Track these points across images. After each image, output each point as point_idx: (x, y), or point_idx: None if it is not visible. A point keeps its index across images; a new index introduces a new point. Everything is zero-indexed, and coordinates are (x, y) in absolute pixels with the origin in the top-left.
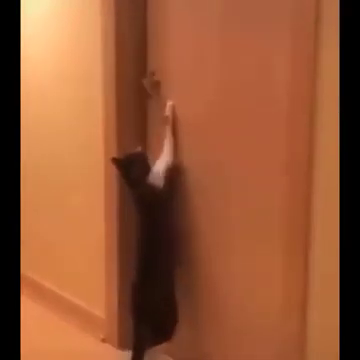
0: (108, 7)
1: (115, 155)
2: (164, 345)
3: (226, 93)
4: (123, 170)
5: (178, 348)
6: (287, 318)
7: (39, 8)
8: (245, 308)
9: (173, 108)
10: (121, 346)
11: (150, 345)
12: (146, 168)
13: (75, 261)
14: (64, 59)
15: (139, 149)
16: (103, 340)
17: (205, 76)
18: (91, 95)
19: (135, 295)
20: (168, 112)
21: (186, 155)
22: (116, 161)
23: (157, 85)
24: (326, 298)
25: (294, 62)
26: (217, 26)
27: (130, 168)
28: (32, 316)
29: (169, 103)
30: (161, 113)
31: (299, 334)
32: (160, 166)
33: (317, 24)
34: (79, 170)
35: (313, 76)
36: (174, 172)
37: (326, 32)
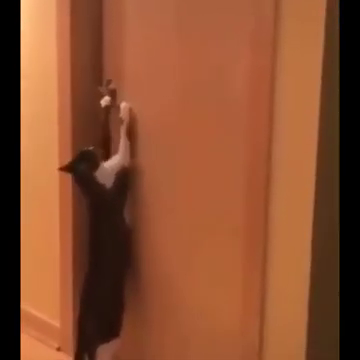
0: (64, 14)
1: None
2: (115, 348)
3: (184, 98)
4: (71, 169)
5: (130, 351)
6: (246, 322)
7: None
8: (203, 311)
9: (128, 109)
10: None
11: (98, 342)
12: (94, 165)
13: (29, 270)
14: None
15: (91, 147)
16: (58, 349)
17: (163, 82)
18: (48, 105)
19: (84, 290)
20: (122, 114)
21: (145, 157)
22: (63, 168)
23: (113, 93)
24: (284, 301)
25: (253, 66)
26: (174, 32)
27: (78, 165)
28: None
29: (123, 104)
30: (118, 118)
31: (258, 337)
32: (112, 166)
33: (276, 26)
34: (34, 179)
35: (272, 80)
36: (126, 173)
37: (285, 34)
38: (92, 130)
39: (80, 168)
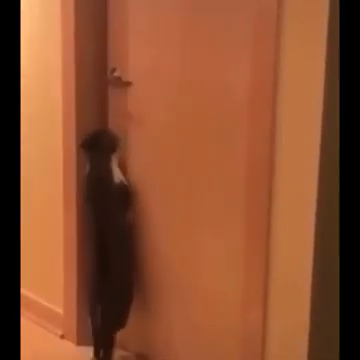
0: (68, 4)
1: (74, 151)
2: (119, 338)
3: (187, 93)
4: (87, 148)
5: (135, 340)
6: (248, 311)
7: None
8: (206, 301)
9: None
10: (80, 342)
11: (110, 332)
12: (111, 145)
13: (33, 256)
14: (25, 56)
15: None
16: (62, 336)
17: (166, 76)
18: (51, 91)
19: (91, 282)
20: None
21: (148, 149)
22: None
23: (118, 81)
24: (286, 292)
25: (255, 63)
26: (177, 28)
27: (96, 144)
28: None
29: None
30: (122, 108)
31: (260, 326)
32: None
33: (278, 25)
34: (38, 166)
35: (274, 77)
36: (127, 188)
37: (287, 33)
38: (97, 126)
39: (98, 150)
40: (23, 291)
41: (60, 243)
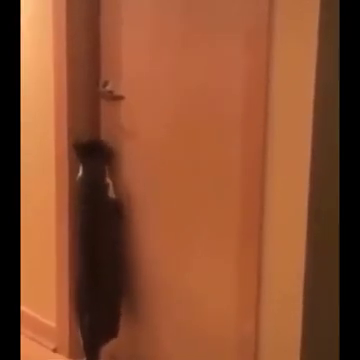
0: (60, 15)
1: (67, 165)
2: (110, 348)
3: (179, 104)
4: (83, 155)
5: (126, 352)
6: (241, 320)
7: None
8: (198, 311)
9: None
10: (72, 356)
11: (101, 343)
12: (105, 156)
13: (25, 269)
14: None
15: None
16: (54, 350)
17: (159, 81)
18: (43, 104)
19: (80, 292)
20: None
21: (140, 160)
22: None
23: (110, 95)
24: (278, 298)
25: (248, 73)
26: (171, 39)
27: (90, 153)
28: None
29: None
30: (115, 121)
31: (253, 334)
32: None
33: (269, 32)
34: (29, 177)
35: (267, 76)
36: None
37: (278, 39)
38: (89, 133)
39: (92, 160)
40: None
41: (52, 256)
